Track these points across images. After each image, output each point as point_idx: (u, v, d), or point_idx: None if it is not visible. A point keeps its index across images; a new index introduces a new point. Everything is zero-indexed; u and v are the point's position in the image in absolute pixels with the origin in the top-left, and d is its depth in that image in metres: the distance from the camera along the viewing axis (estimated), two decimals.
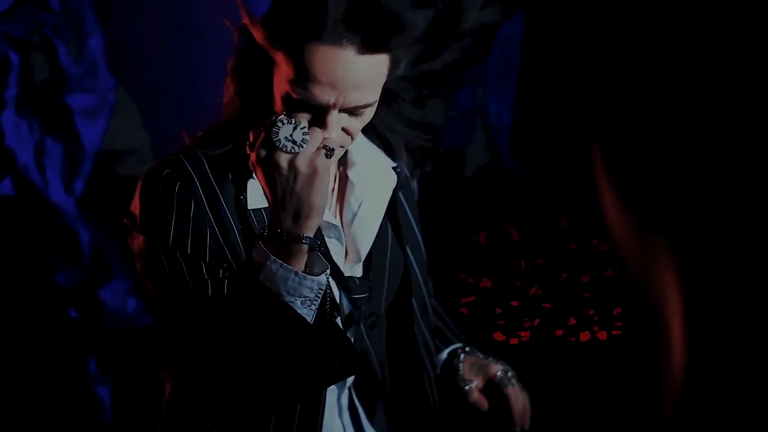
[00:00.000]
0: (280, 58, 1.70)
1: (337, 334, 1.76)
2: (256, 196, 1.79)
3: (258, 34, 1.70)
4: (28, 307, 3.25)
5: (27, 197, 3.31)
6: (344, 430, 1.91)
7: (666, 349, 2.17)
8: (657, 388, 2.19)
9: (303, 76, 1.67)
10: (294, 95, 1.69)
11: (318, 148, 1.70)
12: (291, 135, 1.69)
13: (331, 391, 1.88)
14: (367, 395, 1.93)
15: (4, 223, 3.27)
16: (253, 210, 1.79)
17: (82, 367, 3.27)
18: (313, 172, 1.68)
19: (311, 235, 1.71)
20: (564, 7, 2.20)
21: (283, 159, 1.68)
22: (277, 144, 1.68)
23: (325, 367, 1.72)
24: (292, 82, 1.68)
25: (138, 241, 1.77)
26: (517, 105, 2.81)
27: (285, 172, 1.68)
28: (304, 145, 1.69)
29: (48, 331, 3.26)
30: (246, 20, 1.72)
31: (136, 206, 1.77)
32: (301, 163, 1.68)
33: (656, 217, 2.19)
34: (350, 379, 1.91)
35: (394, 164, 1.95)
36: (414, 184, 2.03)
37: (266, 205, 1.79)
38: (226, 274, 1.73)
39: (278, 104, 1.73)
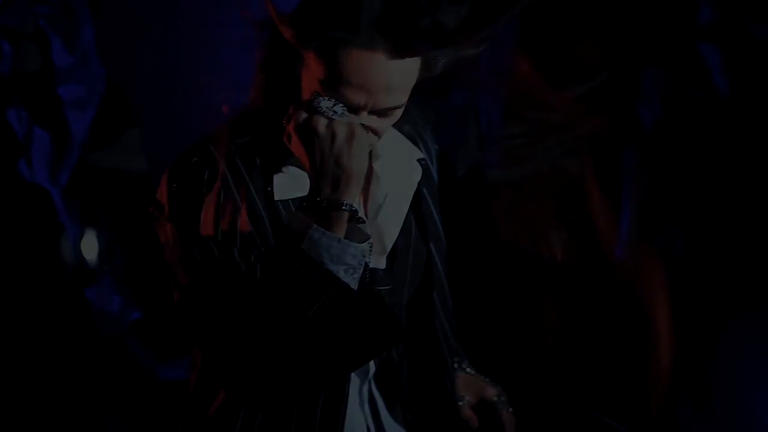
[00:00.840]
0: (310, 57, 1.71)
1: (380, 303, 1.77)
2: (283, 187, 1.80)
3: (287, 33, 1.71)
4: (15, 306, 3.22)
5: (15, 187, 3.30)
6: (365, 420, 1.92)
7: (654, 348, 2.25)
8: (645, 385, 2.27)
9: (334, 78, 1.68)
10: (324, 95, 1.71)
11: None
12: (332, 107, 1.71)
13: (354, 382, 1.88)
14: (387, 387, 1.94)
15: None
16: (280, 201, 1.80)
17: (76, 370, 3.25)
18: (350, 135, 1.70)
19: (351, 202, 1.71)
20: (560, 14, 2.26)
21: (321, 122, 1.70)
22: (318, 110, 1.71)
23: (370, 335, 1.73)
24: (323, 83, 1.70)
25: (166, 230, 1.77)
26: (508, 106, 2.84)
27: (322, 134, 1.70)
28: (344, 117, 1.71)
29: (40, 330, 3.23)
30: (274, 18, 1.72)
31: (163, 194, 1.78)
32: (339, 127, 1.70)
33: (645, 222, 2.27)
34: (371, 371, 1.92)
35: (420, 156, 1.97)
36: (435, 178, 2.03)
37: (293, 196, 1.80)
38: (258, 257, 1.74)
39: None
